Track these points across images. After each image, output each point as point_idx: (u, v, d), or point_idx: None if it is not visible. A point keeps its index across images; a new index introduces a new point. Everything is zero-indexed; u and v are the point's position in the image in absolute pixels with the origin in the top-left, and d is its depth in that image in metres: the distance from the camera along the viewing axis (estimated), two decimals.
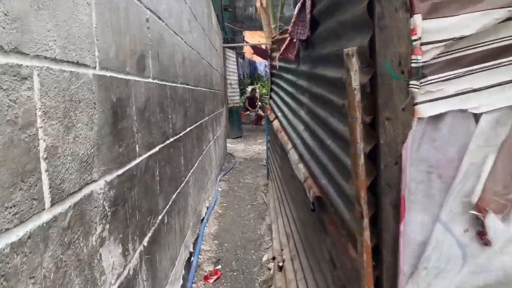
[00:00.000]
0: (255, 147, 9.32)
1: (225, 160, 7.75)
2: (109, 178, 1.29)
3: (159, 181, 2.03)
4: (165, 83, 2.30)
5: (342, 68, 1.63)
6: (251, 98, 13.84)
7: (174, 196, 2.43)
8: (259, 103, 14.60)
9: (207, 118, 4.83)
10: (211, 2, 6.90)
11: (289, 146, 3.08)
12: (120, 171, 1.40)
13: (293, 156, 2.77)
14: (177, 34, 2.78)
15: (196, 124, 3.73)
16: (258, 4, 10.76)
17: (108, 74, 1.32)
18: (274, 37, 4.94)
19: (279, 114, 4.23)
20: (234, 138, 10.47)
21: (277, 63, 3.57)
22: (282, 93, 4.11)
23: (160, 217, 2.03)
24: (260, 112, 14.02)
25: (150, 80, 1.94)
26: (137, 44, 1.72)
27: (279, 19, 9.55)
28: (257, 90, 14.91)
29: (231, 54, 10.65)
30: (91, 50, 1.19)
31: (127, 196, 1.48)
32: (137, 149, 1.64)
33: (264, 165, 7.22)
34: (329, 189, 1.73)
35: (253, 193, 5.27)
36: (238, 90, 11.01)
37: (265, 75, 14.33)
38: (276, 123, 4.31)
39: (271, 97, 5.48)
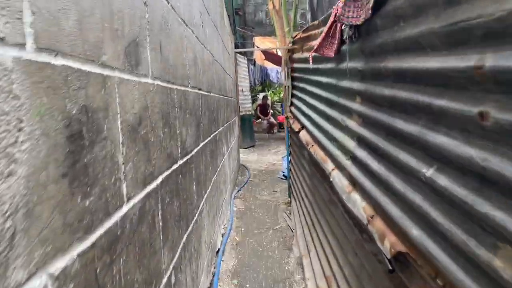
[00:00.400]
0: (269, 157, 8.68)
1: (238, 173, 7.13)
2: (59, 265, 0.66)
3: (162, 228, 1.40)
4: (171, 86, 1.68)
5: (467, 53, 1.00)
6: (263, 105, 13.25)
7: (184, 240, 1.80)
8: (271, 111, 14.00)
9: (221, 128, 4.23)
10: (223, 1, 6.34)
11: (329, 165, 2.44)
12: (87, 243, 0.77)
13: (339, 180, 2.13)
14: (187, 25, 2.17)
15: (210, 138, 3.12)
16: (270, 7, 10.19)
17: (59, 62, 0.69)
18: (296, 36, 4.32)
19: (307, 123, 3.59)
20: (246, 148, 9.85)
21: (311, 64, 2.94)
22: (310, 99, 3.48)
23: (165, 280, 1.40)
24: (273, 120, 13.40)
25: (149, 80, 1.32)
26: (126, 23, 1.10)
27: (299, 17, 8.80)
28: (269, 97, 14.32)
29: (242, 60, 10.09)
30: (10, 9, 0.57)
31: (104, 279, 0.85)
32: (125, 190, 1.01)
33: (282, 178, 6.58)
34: (431, 247, 1.09)
35: (273, 214, 4.62)
36: (250, 97, 10.43)
37: (276, 81, 13.74)
38: (304, 135, 3.67)
39: (292, 104, 4.85)
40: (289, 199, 5.01)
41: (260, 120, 12.97)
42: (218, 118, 3.96)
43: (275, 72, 13.15)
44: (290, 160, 5.04)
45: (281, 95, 16.52)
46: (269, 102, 13.87)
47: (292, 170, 4.80)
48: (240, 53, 10.21)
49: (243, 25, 14.54)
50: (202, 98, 2.70)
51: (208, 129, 2.96)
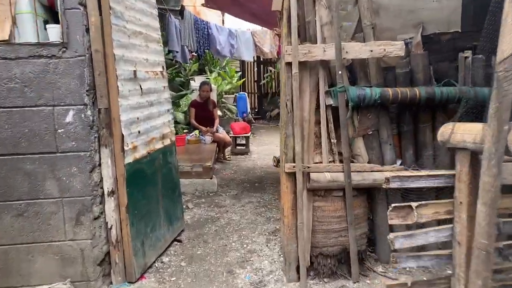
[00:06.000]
0: None
1: None
2: None
3: None
4: None
5: None
6: (201, 103, 6.43)
7: None
8: (219, 112, 7.21)
9: None
10: None
11: None
12: None
13: None
14: None
15: None
16: None
17: None
18: None
19: None
20: (151, 267, 3.05)
21: None
22: None
23: None
24: (222, 133, 6.65)
25: None
26: None
27: None
28: (213, 86, 7.48)
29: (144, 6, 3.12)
30: None
31: None
32: None
33: None
34: None
35: None
36: (167, 98, 3.46)
37: (230, 55, 6.95)
38: None
39: None
40: None
41: (195, 134, 6.16)
42: None
43: (226, 33, 6.41)
44: None
45: (235, 80, 9.57)
46: (213, 96, 7.05)
47: None
48: None
49: None
50: None
51: None
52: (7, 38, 2.27)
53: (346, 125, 2.63)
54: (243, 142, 7.31)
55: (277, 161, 6.04)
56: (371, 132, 2.77)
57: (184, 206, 4.12)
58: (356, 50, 2.57)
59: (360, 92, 2.60)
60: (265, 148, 7.56)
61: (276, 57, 8.90)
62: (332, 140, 2.70)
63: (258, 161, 6.56)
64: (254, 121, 9.91)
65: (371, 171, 2.72)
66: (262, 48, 7.45)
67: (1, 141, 2.34)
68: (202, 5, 5.71)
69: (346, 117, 2.60)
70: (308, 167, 2.64)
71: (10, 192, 2.40)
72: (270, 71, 11.54)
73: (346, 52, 2.56)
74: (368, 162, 2.78)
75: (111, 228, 2.60)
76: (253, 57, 7.83)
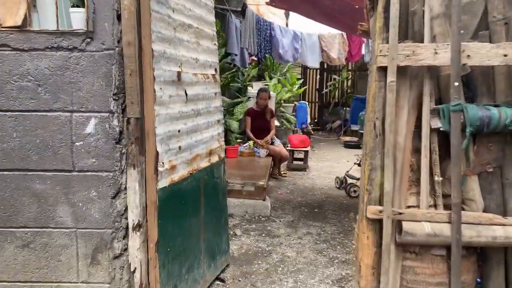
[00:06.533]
0: None
1: None
2: None
3: None
4: None
5: None
6: (258, 112, 5.84)
7: None
8: (276, 122, 6.59)
9: None
10: None
11: None
12: None
13: None
14: None
15: None
16: None
17: None
18: None
19: None
20: None
21: None
22: None
23: None
24: (278, 145, 6.01)
25: None
26: None
27: None
28: (272, 93, 6.87)
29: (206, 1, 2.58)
30: None
31: None
32: None
33: None
34: None
35: None
36: (218, 108, 2.88)
37: (293, 59, 6.31)
38: None
39: None
40: None
41: (249, 146, 5.58)
42: None
43: (291, 36, 5.78)
44: None
45: (296, 88, 8.82)
46: (271, 105, 6.44)
47: None
48: None
49: None
50: None
51: None
52: (20, 23, 1.79)
53: (460, 157, 1.86)
54: (301, 156, 6.60)
55: (340, 183, 5.29)
56: (491, 170, 1.97)
57: (230, 232, 3.52)
58: (482, 54, 1.81)
59: (483, 113, 1.82)
60: (325, 165, 6.79)
61: (344, 64, 8.11)
62: (435, 178, 1.93)
63: (317, 180, 5.82)
64: (312, 133, 9.17)
65: (490, 224, 1.93)
66: (329, 53, 6.73)
67: (7, 153, 1.87)
68: (267, 3, 5.12)
69: (460, 146, 1.83)
70: (400, 213, 1.90)
71: (14, 216, 1.92)
72: (335, 79, 10.73)
73: (468, 56, 1.80)
74: (484, 211, 1.99)
75: (134, 271, 2.03)
76: (319, 63, 7.13)
